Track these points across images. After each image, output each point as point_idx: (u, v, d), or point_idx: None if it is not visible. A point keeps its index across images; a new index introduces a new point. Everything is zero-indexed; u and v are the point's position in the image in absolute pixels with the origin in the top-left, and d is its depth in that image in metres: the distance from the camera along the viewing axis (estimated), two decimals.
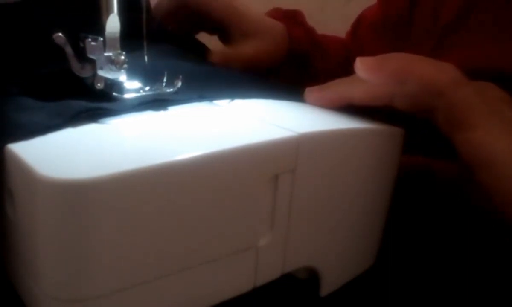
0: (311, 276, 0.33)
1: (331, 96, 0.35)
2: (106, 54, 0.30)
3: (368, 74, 0.33)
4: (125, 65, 0.30)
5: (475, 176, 0.29)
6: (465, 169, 0.30)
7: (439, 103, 0.30)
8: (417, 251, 0.38)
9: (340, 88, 0.35)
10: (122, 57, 0.30)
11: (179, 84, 0.31)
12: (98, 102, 0.29)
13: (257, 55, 0.49)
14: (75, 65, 0.29)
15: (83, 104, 0.28)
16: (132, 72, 0.31)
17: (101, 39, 0.30)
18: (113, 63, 0.30)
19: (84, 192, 0.21)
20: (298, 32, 0.54)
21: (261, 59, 0.50)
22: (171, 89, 0.31)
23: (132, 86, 0.31)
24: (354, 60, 0.33)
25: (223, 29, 0.50)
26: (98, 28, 0.30)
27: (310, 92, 0.36)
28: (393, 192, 0.36)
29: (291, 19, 0.55)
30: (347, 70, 0.37)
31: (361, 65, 0.33)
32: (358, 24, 0.60)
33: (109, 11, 0.30)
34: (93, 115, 0.27)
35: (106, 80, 0.30)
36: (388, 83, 0.33)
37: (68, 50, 0.29)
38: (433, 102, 0.31)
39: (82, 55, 0.30)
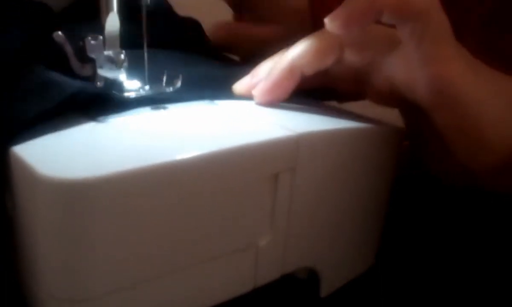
0: (311, 276, 0.33)
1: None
2: (106, 53, 0.30)
3: (344, 26, 0.28)
4: (125, 64, 0.30)
5: (435, 118, 0.28)
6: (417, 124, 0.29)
7: (415, 28, 0.27)
8: (417, 251, 0.38)
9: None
10: (122, 56, 0.30)
11: (179, 83, 0.31)
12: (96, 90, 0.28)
13: (272, 42, 0.40)
14: (75, 64, 0.29)
15: (78, 84, 0.27)
16: (132, 71, 0.31)
17: (101, 37, 0.30)
18: (113, 62, 0.30)
19: (84, 191, 0.21)
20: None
21: (275, 46, 0.43)
22: (171, 88, 0.31)
23: (132, 85, 0.31)
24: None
25: None
26: (98, 27, 0.30)
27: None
28: (392, 192, 0.36)
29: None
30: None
31: (332, 21, 0.28)
32: None
33: (108, 9, 0.30)
34: (91, 101, 0.27)
35: (106, 79, 0.30)
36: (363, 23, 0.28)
37: (68, 49, 0.29)
38: (406, 29, 0.27)
39: (81, 54, 0.30)
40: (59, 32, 0.29)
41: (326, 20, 0.28)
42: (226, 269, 0.28)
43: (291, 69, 0.30)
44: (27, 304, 0.25)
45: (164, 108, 0.31)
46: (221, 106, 0.32)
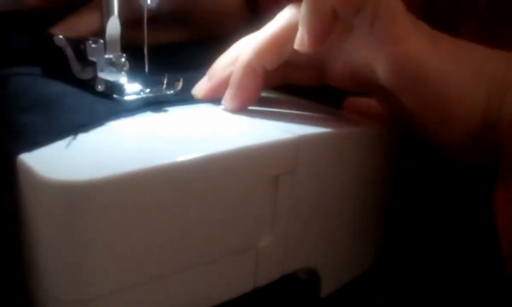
0: (311, 277, 0.34)
1: None
2: (106, 56, 0.30)
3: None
4: (126, 67, 0.30)
5: (400, 99, 0.27)
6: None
7: (366, 13, 0.26)
8: (416, 251, 0.38)
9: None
10: (123, 59, 0.30)
11: (180, 86, 0.32)
12: (99, 106, 0.29)
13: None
14: (75, 67, 0.30)
15: (88, 112, 0.28)
16: (133, 74, 0.31)
17: (102, 41, 0.30)
18: (114, 65, 0.30)
19: (85, 193, 0.21)
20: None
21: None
22: (172, 91, 0.32)
23: (132, 88, 0.31)
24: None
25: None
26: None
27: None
28: (392, 191, 0.36)
29: None
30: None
31: (301, 45, 0.27)
32: None
33: (109, 13, 0.30)
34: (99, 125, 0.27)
35: (106, 82, 0.30)
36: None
37: (69, 52, 0.29)
38: (358, 16, 0.26)
39: (82, 57, 0.30)
40: (60, 36, 0.29)
41: (296, 46, 0.27)
42: (227, 270, 0.28)
43: (253, 69, 0.29)
44: (29, 305, 0.26)
45: (165, 110, 0.31)
46: (222, 108, 0.33)
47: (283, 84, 0.34)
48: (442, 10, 0.37)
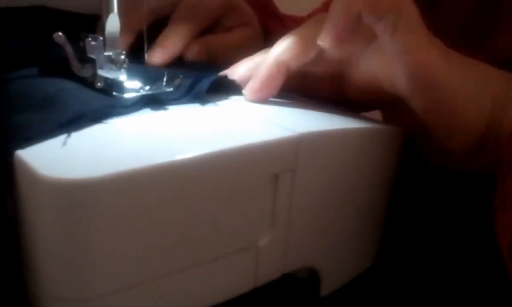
0: (311, 276, 0.34)
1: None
2: (106, 53, 0.30)
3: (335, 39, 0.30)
4: (125, 65, 0.30)
5: (414, 104, 0.30)
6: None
7: (388, 21, 0.28)
8: (417, 251, 0.38)
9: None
10: (122, 57, 0.30)
11: (179, 83, 0.31)
12: (96, 100, 0.29)
13: (243, 42, 0.44)
14: (75, 65, 0.29)
15: (84, 105, 0.28)
16: (132, 72, 0.31)
17: (101, 38, 0.30)
18: (113, 62, 0.30)
19: (84, 191, 0.21)
20: (273, 23, 0.49)
21: (246, 47, 0.43)
22: (171, 89, 0.31)
23: (132, 86, 0.31)
24: None
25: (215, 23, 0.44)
26: (98, 27, 0.30)
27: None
28: (392, 192, 0.36)
29: (263, 7, 0.49)
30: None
31: (324, 39, 0.29)
32: None
33: (109, 10, 0.30)
34: (95, 118, 0.27)
35: (106, 79, 0.30)
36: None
37: (68, 49, 0.29)
38: (380, 24, 0.29)
39: (82, 55, 0.30)
40: (60, 33, 0.29)
41: (319, 41, 0.29)
42: (226, 269, 0.28)
43: (277, 65, 0.31)
44: (28, 305, 0.26)
45: (165, 108, 0.31)
46: (222, 106, 0.32)
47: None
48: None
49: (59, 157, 0.23)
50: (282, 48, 0.32)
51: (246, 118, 0.30)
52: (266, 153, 0.27)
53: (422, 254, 0.37)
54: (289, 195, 0.29)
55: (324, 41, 0.29)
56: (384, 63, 0.30)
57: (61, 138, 0.25)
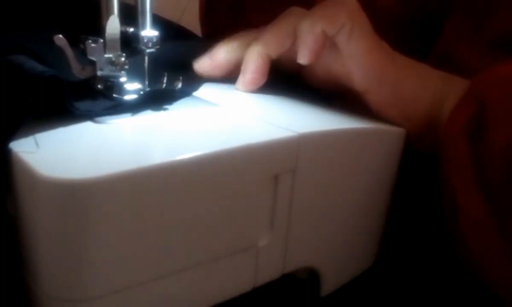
0: (311, 276, 0.34)
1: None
2: (106, 55, 0.30)
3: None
4: (126, 67, 0.30)
5: (369, 100, 0.35)
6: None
7: (345, 29, 0.33)
8: (417, 251, 0.38)
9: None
10: (122, 59, 0.30)
11: (180, 85, 0.32)
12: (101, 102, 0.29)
13: None
14: (75, 67, 0.29)
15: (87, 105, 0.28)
16: (132, 73, 0.31)
17: (101, 40, 0.30)
18: (113, 64, 0.30)
19: (83, 191, 0.21)
20: None
21: None
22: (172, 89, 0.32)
23: (132, 87, 0.31)
24: None
25: None
26: (98, 29, 0.30)
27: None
28: (393, 192, 0.36)
29: None
30: None
31: (301, 58, 0.34)
32: None
33: (109, 12, 0.30)
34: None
35: (106, 81, 0.31)
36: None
37: (69, 51, 0.29)
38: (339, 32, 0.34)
39: (82, 57, 0.30)
40: (60, 35, 0.29)
41: (298, 60, 0.34)
42: (227, 269, 0.28)
43: (261, 57, 0.36)
44: (28, 304, 0.26)
45: (164, 108, 0.31)
46: (222, 107, 0.33)
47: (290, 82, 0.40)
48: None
49: (58, 157, 0.23)
50: (263, 41, 0.36)
51: (246, 118, 0.30)
52: (266, 153, 0.27)
53: (422, 254, 0.37)
54: (289, 195, 0.29)
55: (303, 59, 0.34)
56: (342, 64, 0.35)
57: (60, 137, 0.25)
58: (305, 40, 0.34)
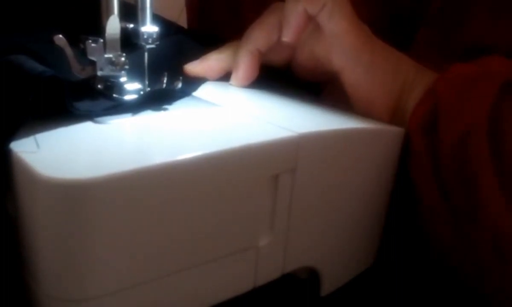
0: (311, 276, 0.34)
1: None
2: (106, 55, 0.30)
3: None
4: (126, 67, 0.30)
5: (344, 79, 0.36)
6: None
7: (325, 9, 0.35)
8: (417, 251, 0.38)
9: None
10: (122, 59, 0.30)
11: (180, 85, 0.32)
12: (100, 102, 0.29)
13: None
14: (75, 67, 0.30)
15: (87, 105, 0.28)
16: (132, 73, 0.31)
17: (101, 40, 0.30)
18: (113, 64, 0.30)
19: (84, 192, 0.21)
20: None
21: None
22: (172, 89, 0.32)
23: (132, 87, 0.31)
24: None
25: None
26: (98, 29, 0.30)
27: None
28: (393, 192, 0.36)
29: None
30: None
31: (284, 37, 0.36)
32: None
33: (109, 12, 0.30)
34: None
35: (106, 81, 0.31)
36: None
37: (69, 51, 0.29)
38: (320, 13, 0.35)
39: (82, 57, 0.30)
40: (60, 35, 0.29)
41: (282, 38, 0.36)
42: (227, 269, 0.28)
43: (251, 53, 0.38)
44: (28, 304, 0.26)
45: (164, 109, 0.31)
46: (222, 107, 0.33)
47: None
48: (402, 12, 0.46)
49: (58, 158, 0.23)
50: (252, 38, 0.38)
51: (246, 118, 0.30)
52: (266, 153, 0.27)
53: (422, 254, 0.37)
54: (289, 195, 0.29)
55: (287, 37, 0.36)
56: (323, 45, 0.36)
57: (60, 138, 0.25)
58: (288, 19, 0.36)
